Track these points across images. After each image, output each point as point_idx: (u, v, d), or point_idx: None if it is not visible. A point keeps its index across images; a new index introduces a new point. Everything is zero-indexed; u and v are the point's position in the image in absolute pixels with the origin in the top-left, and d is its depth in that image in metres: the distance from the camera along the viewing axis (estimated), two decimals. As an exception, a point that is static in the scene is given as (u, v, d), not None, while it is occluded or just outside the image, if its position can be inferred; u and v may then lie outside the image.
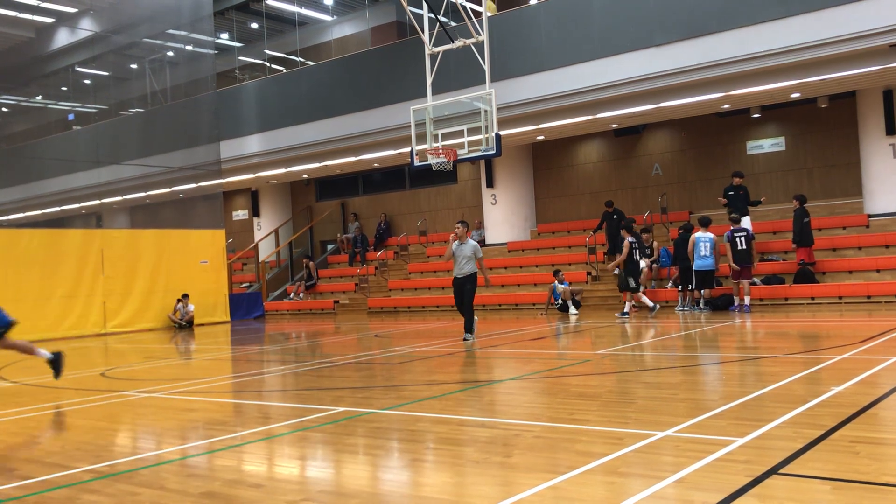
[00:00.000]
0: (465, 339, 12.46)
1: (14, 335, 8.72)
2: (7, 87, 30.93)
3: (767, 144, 20.71)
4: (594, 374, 8.66)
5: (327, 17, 28.73)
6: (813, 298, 16.40)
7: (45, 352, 8.95)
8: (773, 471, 4.33)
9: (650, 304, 16.68)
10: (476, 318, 12.78)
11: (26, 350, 8.86)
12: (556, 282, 18.31)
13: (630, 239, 16.46)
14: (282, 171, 25.50)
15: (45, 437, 6.66)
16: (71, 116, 33.16)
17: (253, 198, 29.96)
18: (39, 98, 33.46)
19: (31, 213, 31.66)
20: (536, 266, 21.53)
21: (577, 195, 23.58)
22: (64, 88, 33.07)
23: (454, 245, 12.44)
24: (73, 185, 28.58)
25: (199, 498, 4.46)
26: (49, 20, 29.42)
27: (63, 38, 30.23)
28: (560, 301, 18.04)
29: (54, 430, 6.97)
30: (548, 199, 24.10)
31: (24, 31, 29.50)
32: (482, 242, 23.58)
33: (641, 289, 16.89)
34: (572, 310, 17.64)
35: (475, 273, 12.45)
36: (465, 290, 12.44)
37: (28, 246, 19.23)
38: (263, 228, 29.55)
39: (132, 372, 11.53)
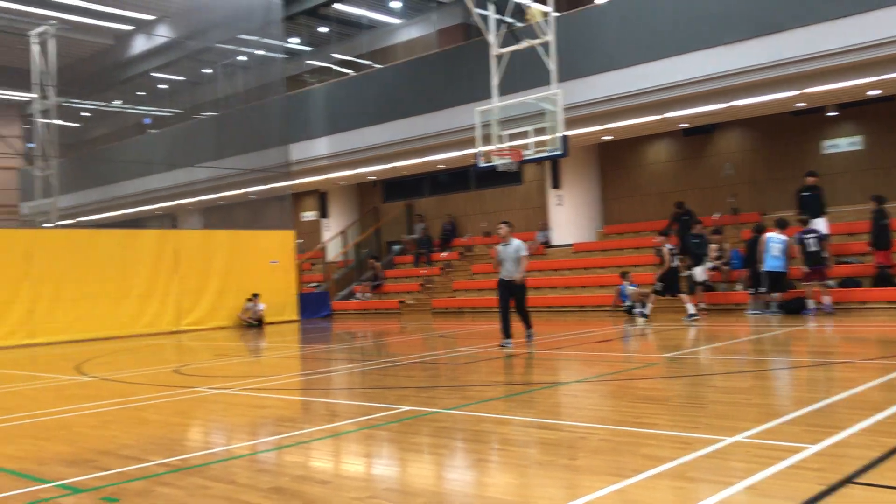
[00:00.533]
0: (527, 340, 12.17)
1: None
2: (88, 92, 32.11)
3: (844, 143, 20.03)
4: (662, 378, 8.53)
5: (395, 21, 28.98)
6: (891, 303, 15.80)
7: None
8: (849, 480, 4.19)
9: (646, 312, 16.25)
10: (509, 324, 11.98)
11: None
12: (625, 283, 18.07)
13: (669, 246, 16.16)
14: (349, 172, 25.81)
15: (122, 430, 6.90)
16: (147, 120, 34.25)
17: (321, 199, 30.41)
18: (120, 102, 34.65)
19: (110, 214, 32.81)
20: (603, 268, 21.29)
21: (646, 196, 23.22)
22: (141, 93, 34.18)
23: (500, 247, 12.07)
24: (149, 186, 29.51)
25: (268, 493, 4.56)
26: (128, 28, 30.45)
27: (140, 44, 31.25)
28: (628, 303, 17.80)
29: (130, 424, 7.21)
30: (615, 199, 23.81)
31: (103, 38, 30.60)
32: (547, 244, 23.44)
33: (678, 295, 16.41)
34: (640, 312, 17.38)
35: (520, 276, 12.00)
36: (515, 296, 11.98)
37: (107, 246, 19.91)
38: (331, 229, 29.96)
39: (204, 369, 11.83)
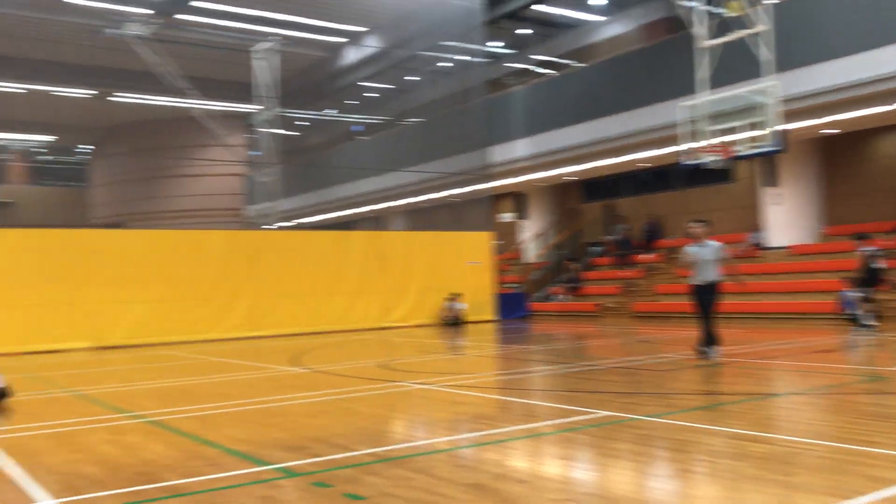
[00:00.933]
0: (706, 354, 10.88)
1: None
2: (304, 103, 34.42)
3: None
4: (890, 393, 7.75)
5: (597, 18, 28.58)
6: None
7: None
8: None
9: (867, 322, 14.60)
10: (713, 330, 10.99)
11: None
12: (849, 289, 16.61)
13: (866, 248, 14.59)
14: (548, 173, 25.79)
15: (333, 419, 7.29)
16: (357, 128, 36.16)
17: (520, 200, 30.59)
18: (335, 112, 36.85)
19: (324, 216, 34.94)
20: (824, 272, 19.69)
21: (875, 193, 21.21)
22: (351, 102, 36.13)
23: (693, 248, 11.03)
24: (359, 190, 31.11)
25: (467, 488, 4.62)
26: (341, 40, 32.30)
27: (351, 55, 33.03)
28: (853, 311, 16.35)
29: (340, 415, 7.60)
30: (839, 198, 21.97)
31: (318, 51, 32.68)
32: (759, 245, 22.10)
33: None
34: (868, 321, 15.91)
35: (718, 281, 10.91)
36: (704, 300, 10.91)
37: (321, 246, 21.26)
38: (529, 230, 30.06)
39: (408, 364, 12.25)
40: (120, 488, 4.95)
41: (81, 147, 46.15)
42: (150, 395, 9.60)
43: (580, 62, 27.23)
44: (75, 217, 41.34)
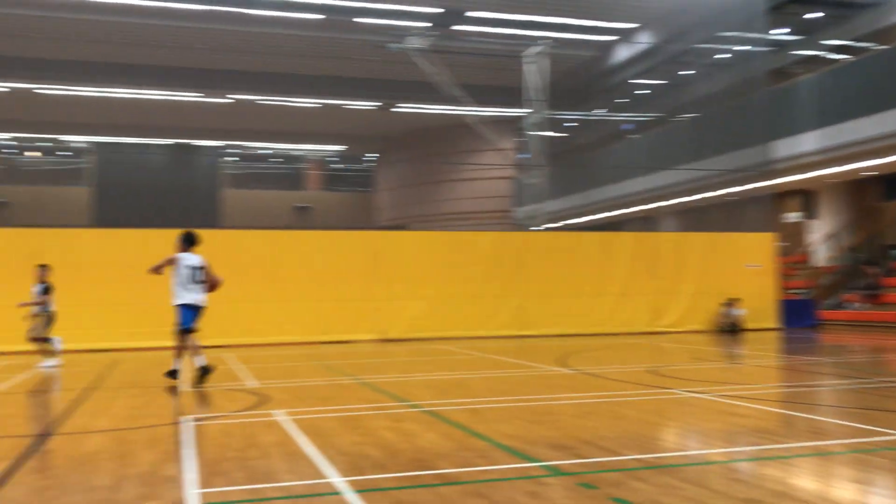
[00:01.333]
0: None
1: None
2: (572, 104, 34.48)
3: None
4: None
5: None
6: None
7: (202, 359, 9.93)
8: None
9: None
10: None
11: (194, 352, 9.87)
12: None
13: None
14: (841, 168, 23.53)
15: (600, 422, 7.19)
16: (627, 126, 35.52)
17: (807, 198, 28.23)
18: (604, 111, 36.57)
19: (591, 217, 34.76)
20: None
21: None
22: (621, 100, 35.56)
23: None
24: (627, 190, 30.56)
25: (741, 503, 4.33)
26: (612, 38, 31.94)
27: (622, 53, 32.52)
28: None
29: (608, 418, 7.49)
30: None
31: (588, 51, 32.57)
32: None
33: None
34: None
35: None
36: None
37: (588, 247, 21.14)
38: (818, 231, 27.62)
39: (680, 371, 11.78)
40: (398, 472, 5.27)
41: (368, 155, 50.16)
42: (426, 386, 10.14)
43: (881, 44, 24.46)
44: (363, 220, 45.07)
